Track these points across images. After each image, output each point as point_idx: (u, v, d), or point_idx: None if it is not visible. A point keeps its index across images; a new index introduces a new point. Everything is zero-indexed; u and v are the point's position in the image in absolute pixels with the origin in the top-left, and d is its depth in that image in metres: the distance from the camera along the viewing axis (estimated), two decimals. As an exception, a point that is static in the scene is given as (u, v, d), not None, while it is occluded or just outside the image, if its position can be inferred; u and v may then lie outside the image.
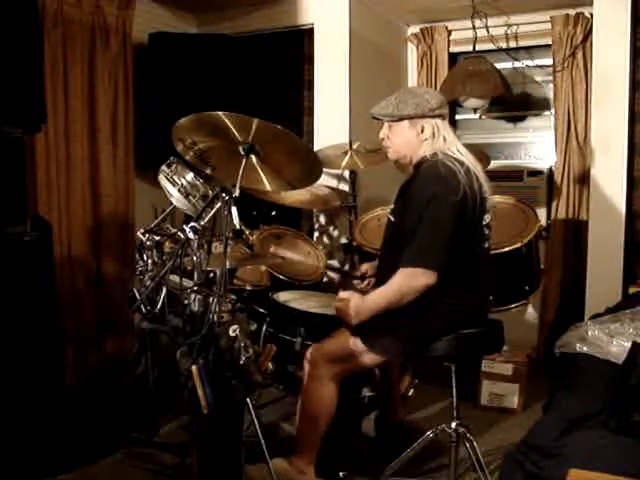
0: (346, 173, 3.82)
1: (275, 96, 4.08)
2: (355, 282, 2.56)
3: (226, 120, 1.97)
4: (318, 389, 2.25)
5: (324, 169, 2.44)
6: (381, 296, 2.13)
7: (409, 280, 2.05)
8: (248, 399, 2.11)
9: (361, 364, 2.23)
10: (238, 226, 2.00)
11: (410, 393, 2.97)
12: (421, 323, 2.15)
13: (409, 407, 2.99)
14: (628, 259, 3.45)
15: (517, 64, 4.17)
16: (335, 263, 3.76)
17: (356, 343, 2.20)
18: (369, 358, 2.20)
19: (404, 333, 2.16)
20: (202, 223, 2.01)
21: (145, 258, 2.31)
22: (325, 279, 3.42)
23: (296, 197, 3.40)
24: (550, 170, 4.06)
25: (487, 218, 2.21)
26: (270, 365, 1.91)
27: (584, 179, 3.79)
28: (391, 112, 2.19)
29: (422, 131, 2.18)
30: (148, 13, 3.78)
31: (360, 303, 2.17)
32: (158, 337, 2.66)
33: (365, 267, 2.56)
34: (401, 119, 2.19)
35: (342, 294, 2.24)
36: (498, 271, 2.32)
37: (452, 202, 2.05)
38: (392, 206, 2.33)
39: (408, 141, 2.21)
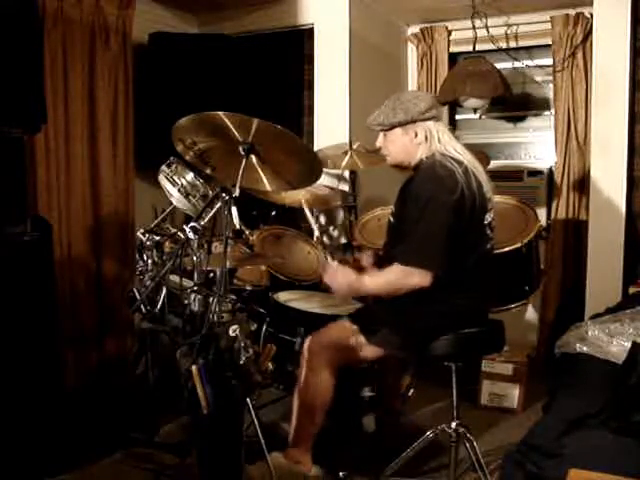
0: (346, 173, 3.82)
1: (275, 96, 4.08)
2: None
3: (226, 120, 1.97)
4: (315, 379, 2.25)
5: (324, 169, 2.44)
6: (374, 283, 2.16)
7: (403, 277, 2.07)
8: (248, 399, 2.11)
9: (360, 356, 2.23)
10: (238, 226, 2.00)
11: (410, 393, 2.96)
12: (422, 319, 2.15)
13: (409, 407, 2.99)
14: (628, 259, 3.44)
15: (517, 64, 4.17)
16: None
17: (355, 334, 2.20)
18: (368, 350, 2.21)
19: (404, 328, 2.17)
20: (202, 223, 2.01)
21: (145, 258, 2.31)
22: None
23: (296, 197, 3.40)
24: (550, 170, 4.07)
25: (489, 218, 2.20)
26: (270, 365, 1.91)
27: (584, 179, 3.79)
28: (382, 121, 2.21)
29: (415, 136, 2.19)
30: (148, 13, 3.78)
31: (353, 279, 2.17)
32: (158, 337, 2.66)
33: (363, 256, 2.57)
34: (392, 127, 2.20)
35: (335, 264, 2.26)
36: (498, 271, 2.32)
37: (449, 202, 2.05)
38: (392, 208, 2.34)
39: (404, 147, 2.22)
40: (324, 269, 2.28)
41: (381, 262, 2.44)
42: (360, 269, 2.52)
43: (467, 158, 2.19)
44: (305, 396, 2.28)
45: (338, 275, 2.21)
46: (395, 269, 2.09)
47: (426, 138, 2.18)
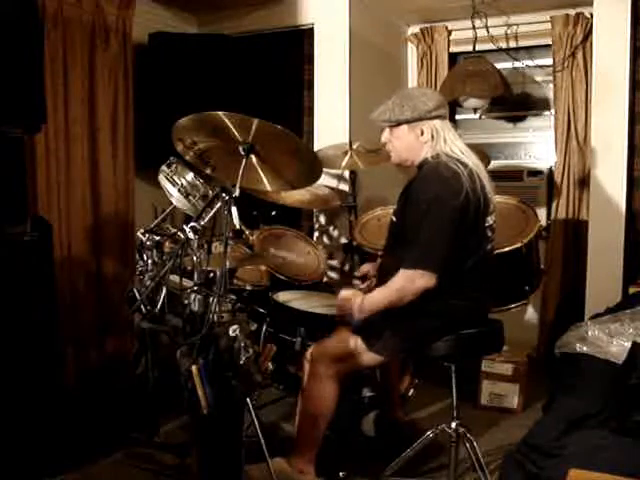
0: (346, 173, 3.82)
1: (275, 96, 4.08)
2: (356, 282, 2.56)
3: (226, 120, 1.97)
4: (319, 388, 2.24)
5: (324, 169, 2.44)
6: (382, 296, 2.14)
7: (409, 282, 2.06)
8: (248, 399, 2.11)
9: (362, 363, 2.23)
10: (238, 226, 2.00)
11: (410, 393, 2.96)
12: (421, 323, 2.15)
13: (409, 407, 2.99)
14: (628, 259, 3.45)
15: (517, 64, 4.17)
16: (335, 264, 3.76)
17: (357, 342, 2.20)
18: (370, 357, 2.20)
19: (404, 332, 2.17)
20: (202, 223, 2.01)
21: (145, 258, 2.30)
22: (325, 279, 3.42)
23: (296, 197, 3.40)
24: (550, 170, 4.07)
25: (490, 220, 2.20)
26: (270, 365, 1.91)
27: (584, 179, 3.79)
28: (389, 117, 2.20)
29: (421, 134, 2.18)
30: (148, 13, 3.78)
31: (361, 301, 2.17)
32: (158, 337, 2.66)
33: (366, 268, 2.56)
34: (399, 124, 2.19)
35: (345, 292, 2.25)
36: (498, 271, 2.32)
37: (454, 205, 2.04)
38: (395, 207, 2.33)
39: (409, 144, 2.21)
40: (340, 305, 2.25)
41: (381, 262, 2.45)
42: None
43: (472, 159, 2.17)
44: (309, 404, 2.28)
45: (348, 302, 2.20)
46: (401, 275, 2.07)
47: (432, 137, 2.17)
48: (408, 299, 2.07)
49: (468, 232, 2.10)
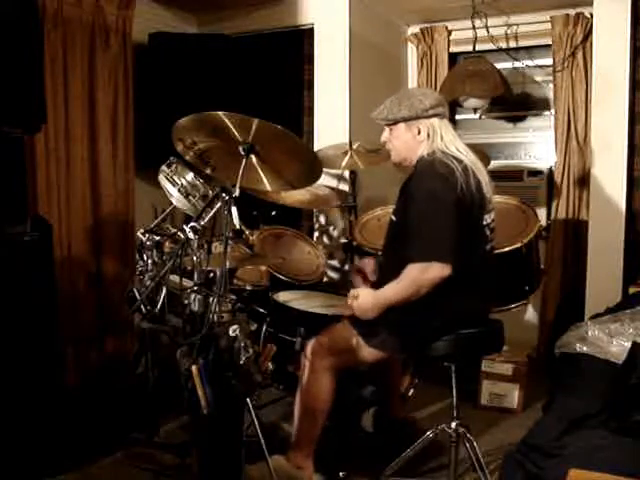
0: (346, 173, 3.82)
1: (275, 96, 4.08)
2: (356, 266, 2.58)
3: (226, 120, 1.97)
4: (317, 382, 2.25)
5: (324, 169, 2.44)
6: (395, 291, 2.11)
7: (422, 274, 2.03)
8: (248, 399, 2.11)
9: (361, 358, 2.23)
10: (238, 226, 2.00)
11: (410, 393, 2.97)
12: (421, 322, 2.14)
13: (409, 407, 2.99)
14: (628, 259, 3.45)
15: (517, 64, 4.17)
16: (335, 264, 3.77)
17: (355, 337, 2.20)
18: (367, 352, 2.21)
19: (404, 329, 2.16)
20: (202, 223, 2.01)
21: (145, 258, 2.31)
22: (325, 279, 3.42)
23: (296, 197, 3.40)
24: (550, 170, 4.07)
25: (488, 219, 2.19)
26: (270, 365, 1.91)
27: (584, 179, 3.79)
28: (386, 116, 2.21)
29: (418, 132, 2.19)
30: (148, 13, 3.78)
31: (371, 298, 2.16)
32: (158, 337, 2.66)
33: (365, 264, 2.56)
34: (396, 122, 2.20)
35: (353, 291, 2.24)
36: (498, 271, 2.32)
37: (450, 198, 2.04)
38: (394, 206, 2.34)
39: (406, 143, 2.22)
40: (347, 304, 2.24)
41: (381, 262, 2.45)
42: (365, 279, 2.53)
43: (470, 158, 2.17)
44: (307, 399, 2.28)
45: (360, 299, 2.18)
46: (412, 268, 2.05)
47: (428, 135, 2.18)
48: (425, 290, 2.04)
49: (465, 228, 2.09)
